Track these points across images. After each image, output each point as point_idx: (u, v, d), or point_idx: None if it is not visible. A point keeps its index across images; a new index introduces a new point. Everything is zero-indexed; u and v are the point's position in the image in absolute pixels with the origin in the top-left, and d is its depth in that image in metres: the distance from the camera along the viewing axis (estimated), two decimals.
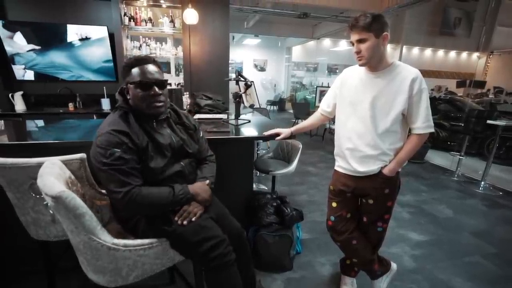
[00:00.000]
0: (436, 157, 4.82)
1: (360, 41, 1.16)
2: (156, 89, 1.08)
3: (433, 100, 5.93)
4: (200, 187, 1.17)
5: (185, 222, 1.07)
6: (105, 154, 0.96)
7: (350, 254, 1.51)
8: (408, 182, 3.64)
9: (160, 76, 1.10)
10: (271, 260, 1.76)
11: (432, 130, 1.24)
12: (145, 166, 1.05)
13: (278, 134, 1.61)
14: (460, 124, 4.61)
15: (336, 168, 1.45)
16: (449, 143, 5.08)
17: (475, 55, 11.60)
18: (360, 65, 1.25)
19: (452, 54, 11.80)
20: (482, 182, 3.49)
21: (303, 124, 1.66)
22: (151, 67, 1.08)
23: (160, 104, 1.10)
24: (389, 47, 8.44)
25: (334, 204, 1.45)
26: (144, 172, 1.05)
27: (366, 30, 1.13)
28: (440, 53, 11.63)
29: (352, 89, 1.32)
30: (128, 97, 1.10)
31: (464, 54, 11.90)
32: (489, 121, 3.52)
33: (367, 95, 1.25)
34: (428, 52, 11.47)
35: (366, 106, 1.25)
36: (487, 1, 9.47)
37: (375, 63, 1.21)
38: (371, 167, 1.29)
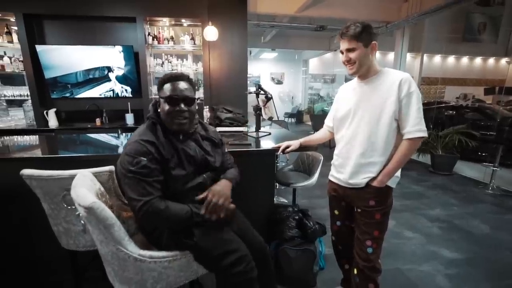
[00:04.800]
0: (465, 169, 4.54)
1: (349, 50, 1.20)
2: (182, 105, 1.10)
3: (459, 109, 5.67)
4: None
5: (213, 218, 1.06)
6: (132, 162, 0.99)
7: (350, 259, 1.49)
8: (436, 195, 3.44)
9: (189, 94, 1.13)
10: (294, 275, 1.70)
11: (424, 134, 1.18)
12: (168, 176, 1.07)
13: (287, 147, 1.61)
14: (492, 133, 4.34)
15: (329, 177, 1.49)
16: (479, 153, 4.78)
17: (504, 60, 11.04)
18: (350, 74, 1.27)
19: (478, 60, 11.30)
20: None
21: (312, 137, 1.66)
22: (183, 84, 1.12)
23: (184, 121, 1.12)
24: (409, 56, 8.26)
25: (336, 212, 1.50)
26: (167, 182, 1.07)
27: (355, 40, 1.17)
28: (464, 60, 11.19)
29: (345, 100, 1.36)
30: (159, 110, 1.14)
31: (491, 60, 11.36)
32: None
33: (358, 103, 1.28)
34: (451, 59, 11.07)
35: (358, 115, 1.28)
36: None
37: (365, 71, 1.25)
38: (359, 180, 1.29)
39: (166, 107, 1.10)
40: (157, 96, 1.17)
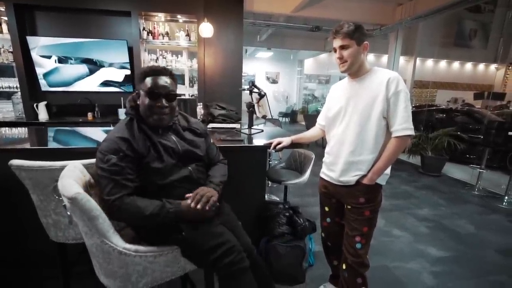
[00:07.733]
0: (454, 170, 4.65)
1: (342, 47, 1.23)
2: (164, 101, 1.09)
3: (449, 112, 5.79)
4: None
5: (198, 206, 1.02)
6: (103, 160, 0.98)
7: (338, 255, 1.51)
8: (425, 195, 3.51)
9: (171, 89, 1.11)
10: (283, 271, 1.72)
11: (411, 133, 1.20)
12: (148, 171, 1.05)
13: (279, 143, 1.62)
14: (479, 136, 4.45)
15: (320, 174, 1.51)
16: (467, 155, 4.90)
17: (493, 66, 11.33)
18: (342, 71, 1.29)
19: (468, 65, 11.56)
20: (506, 197, 3.32)
21: (304, 134, 1.68)
22: (165, 79, 1.10)
23: (164, 116, 1.10)
24: (402, 59, 8.38)
25: (326, 209, 1.52)
26: (148, 177, 1.05)
27: (348, 37, 1.20)
28: (456, 65, 11.43)
29: (336, 99, 1.39)
30: (138, 103, 1.12)
31: (481, 66, 11.64)
32: (510, 133, 3.39)
33: (348, 101, 1.30)
34: (442, 64, 11.30)
35: (348, 113, 1.30)
36: (503, 12, 9.32)
37: (356, 70, 1.27)
38: (349, 177, 1.31)
39: (147, 100, 1.07)
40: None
